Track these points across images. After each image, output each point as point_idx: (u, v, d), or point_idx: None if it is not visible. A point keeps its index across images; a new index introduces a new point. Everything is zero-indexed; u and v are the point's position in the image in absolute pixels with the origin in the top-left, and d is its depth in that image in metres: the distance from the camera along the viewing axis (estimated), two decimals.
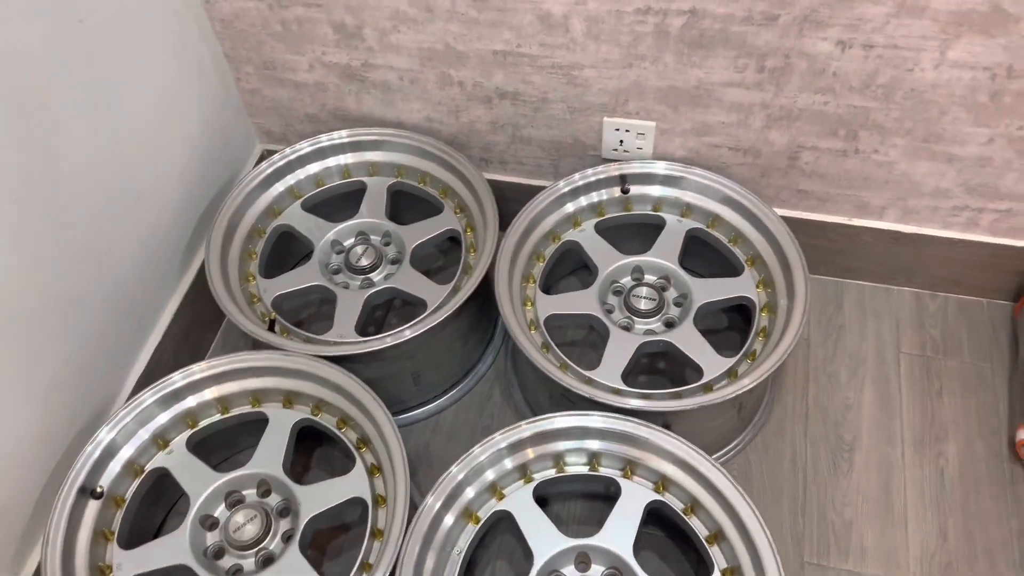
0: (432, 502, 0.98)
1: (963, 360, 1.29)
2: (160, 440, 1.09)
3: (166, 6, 1.15)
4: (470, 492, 1.01)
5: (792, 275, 1.15)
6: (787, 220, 1.28)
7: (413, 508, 0.97)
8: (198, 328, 1.32)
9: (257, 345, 1.16)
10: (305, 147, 1.33)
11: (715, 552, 0.98)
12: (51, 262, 0.99)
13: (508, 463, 1.03)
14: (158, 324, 1.24)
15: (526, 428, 1.03)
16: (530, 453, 1.04)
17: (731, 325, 1.32)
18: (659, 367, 1.29)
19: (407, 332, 1.11)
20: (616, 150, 1.28)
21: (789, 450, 1.22)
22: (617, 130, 1.25)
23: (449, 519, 1.00)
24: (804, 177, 1.25)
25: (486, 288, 1.20)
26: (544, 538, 1.00)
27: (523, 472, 1.05)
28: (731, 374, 1.12)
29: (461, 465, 1.00)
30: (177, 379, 1.08)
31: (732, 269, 1.23)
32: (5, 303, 0.93)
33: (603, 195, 1.28)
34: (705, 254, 1.28)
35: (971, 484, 1.17)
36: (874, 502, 1.17)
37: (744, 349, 1.14)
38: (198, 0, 1.22)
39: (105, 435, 1.04)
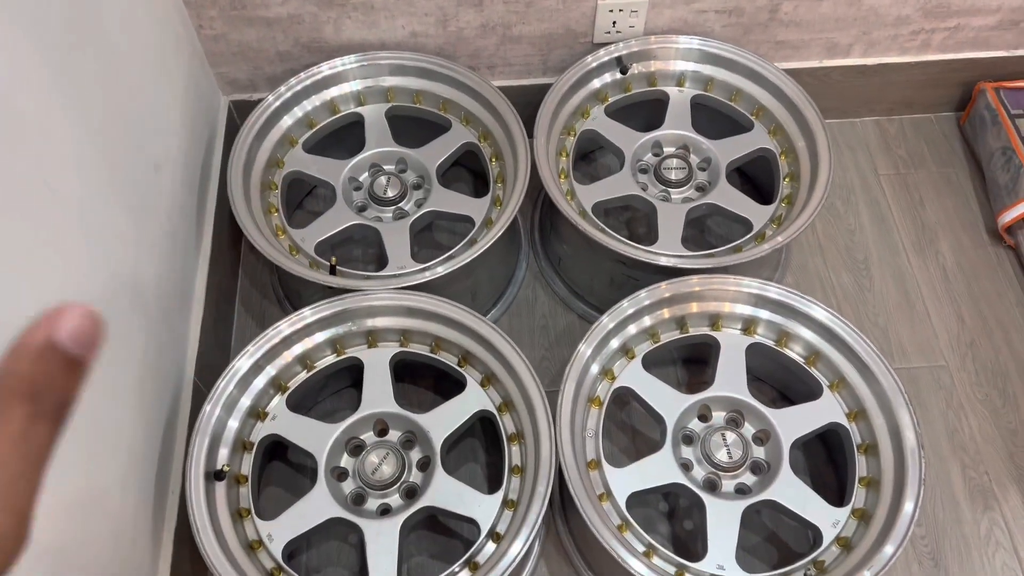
0: (567, 388, 1.01)
1: (930, 170, 1.46)
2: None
3: None
4: (590, 374, 1.05)
5: (805, 117, 1.23)
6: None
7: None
8: (224, 301, 1.25)
9: (319, 296, 1.12)
10: (286, 90, 1.25)
11: (816, 372, 1.09)
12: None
13: (614, 343, 1.08)
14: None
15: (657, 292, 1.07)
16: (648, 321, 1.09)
17: (750, 181, 1.41)
18: (697, 231, 1.37)
19: (473, 250, 1.11)
20: (608, 32, 1.30)
21: (818, 280, 1.34)
22: (611, 11, 1.27)
23: (579, 404, 1.04)
24: (783, 27, 1.33)
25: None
26: (666, 401, 1.06)
27: (625, 350, 1.10)
28: (774, 220, 1.20)
29: (588, 341, 1.04)
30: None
31: (740, 126, 1.31)
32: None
33: (604, 79, 1.31)
34: (713, 119, 1.34)
35: (969, 271, 1.34)
36: (898, 306, 1.31)
37: (779, 196, 1.23)
38: None
39: (210, 413, 0.99)
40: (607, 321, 1.05)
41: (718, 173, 1.25)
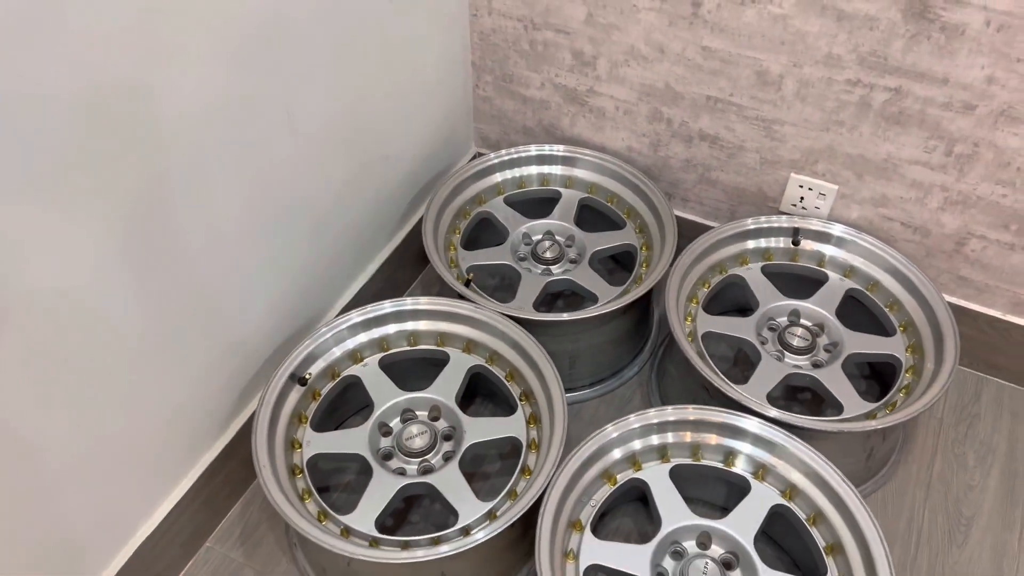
0: (581, 453, 1.10)
1: None
2: (357, 354, 1.27)
3: (440, 15, 1.38)
4: (616, 454, 1.13)
5: (944, 345, 1.23)
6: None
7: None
8: (402, 273, 1.52)
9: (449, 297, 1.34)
10: (516, 153, 1.53)
11: (830, 563, 1.06)
12: (304, 196, 1.21)
13: (653, 439, 1.15)
14: (372, 263, 1.44)
15: (686, 411, 1.14)
16: (676, 436, 1.16)
17: (874, 383, 1.40)
18: (800, 400, 1.39)
19: (577, 313, 1.26)
20: (795, 205, 1.41)
21: (907, 511, 1.28)
22: (801, 187, 1.38)
23: (591, 474, 1.12)
24: (967, 264, 1.34)
25: (648, 302, 1.35)
26: (674, 511, 1.10)
27: (662, 452, 1.16)
28: (869, 416, 1.20)
29: (613, 428, 1.13)
30: (387, 306, 1.27)
31: (884, 331, 1.32)
32: (274, 209, 1.14)
33: (772, 243, 1.41)
34: (859, 314, 1.37)
35: None
36: None
37: (886, 399, 1.22)
38: (466, 13, 1.46)
39: (322, 335, 1.23)
40: (610, 430, 1.13)
41: (838, 357, 1.28)
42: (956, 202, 1.28)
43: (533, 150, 1.55)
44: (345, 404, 1.27)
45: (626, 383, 1.46)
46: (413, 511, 1.26)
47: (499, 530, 1.03)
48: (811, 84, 1.26)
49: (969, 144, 1.21)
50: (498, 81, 1.55)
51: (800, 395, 1.40)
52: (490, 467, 1.31)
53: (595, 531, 1.10)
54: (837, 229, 1.38)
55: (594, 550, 1.07)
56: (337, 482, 1.28)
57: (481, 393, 1.39)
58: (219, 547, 1.24)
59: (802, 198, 1.40)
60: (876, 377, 1.41)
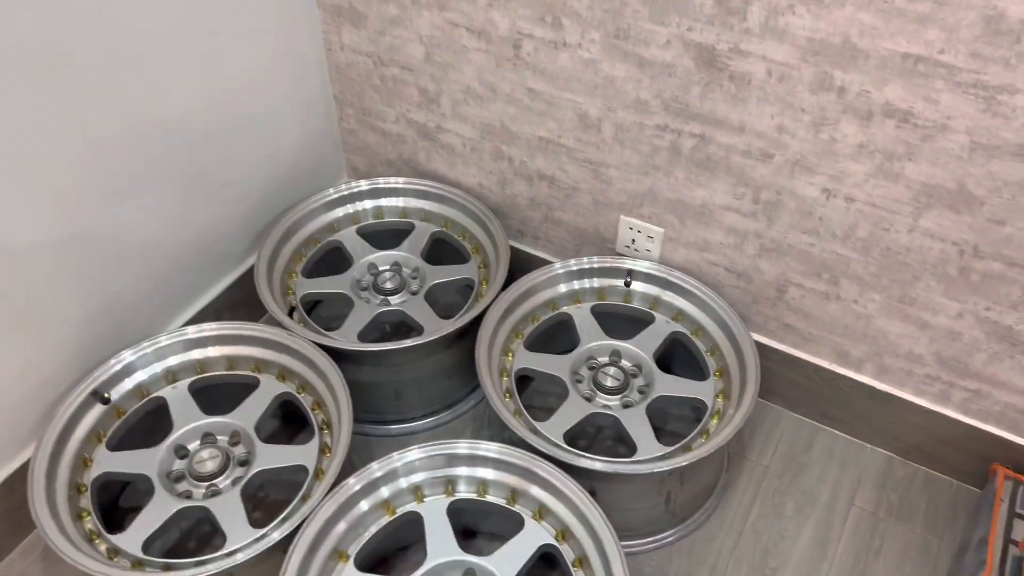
0: (353, 483, 1.11)
1: (913, 529, 1.30)
2: (170, 376, 1.29)
3: (291, 47, 1.42)
4: (386, 491, 1.14)
5: (745, 390, 1.23)
6: (773, 351, 1.38)
7: None
8: (242, 307, 1.54)
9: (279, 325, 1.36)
10: (377, 183, 1.56)
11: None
12: (143, 207, 1.24)
13: (439, 472, 1.15)
14: (211, 290, 1.47)
15: (464, 446, 1.15)
16: (460, 472, 1.16)
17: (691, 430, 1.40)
18: (606, 444, 1.39)
19: (391, 345, 1.28)
20: (628, 247, 1.42)
21: (712, 559, 1.26)
22: (631, 229, 1.39)
23: (365, 505, 1.12)
24: (790, 312, 1.34)
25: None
26: (442, 546, 1.10)
27: (447, 486, 1.16)
28: (662, 460, 1.20)
29: (386, 462, 1.13)
30: (190, 331, 1.29)
31: (700, 375, 1.32)
32: (78, 232, 1.17)
33: (606, 283, 1.42)
34: (681, 356, 1.37)
35: None
36: None
37: (682, 444, 1.22)
38: (320, 47, 1.50)
39: (127, 356, 1.25)
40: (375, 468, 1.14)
41: (647, 398, 1.28)
42: (771, 249, 1.28)
43: (385, 183, 1.57)
44: (152, 425, 1.28)
45: (461, 416, 1.46)
46: (209, 538, 1.27)
47: (253, 554, 1.03)
48: (626, 128, 1.27)
49: (773, 192, 1.21)
50: (359, 115, 1.58)
51: (604, 440, 1.40)
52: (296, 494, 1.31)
53: (363, 564, 1.10)
54: (665, 271, 1.39)
55: None
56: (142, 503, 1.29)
57: (293, 421, 1.40)
58: (22, 561, 1.25)
59: (633, 240, 1.41)
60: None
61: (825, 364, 1.37)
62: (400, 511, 1.14)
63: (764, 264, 1.31)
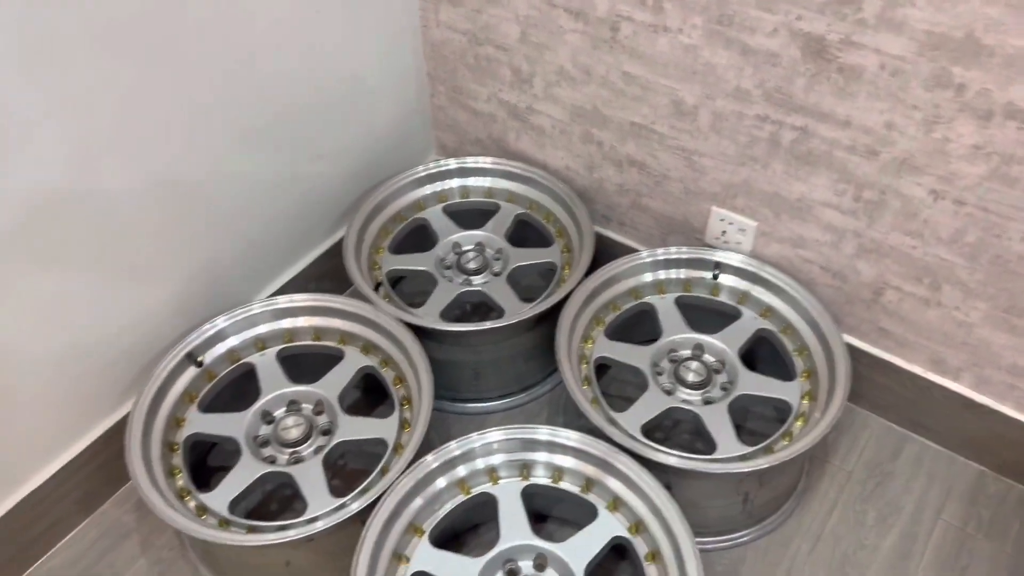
0: (431, 460, 1.13)
1: (1003, 548, 1.25)
2: (260, 343, 1.33)
3: (388, 21, 1.43)
4: (463, 470, 1.15)
5: (833, 395, 1.19)
6: (864, 355, 1.34)
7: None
8: (328, 280, 1.57)
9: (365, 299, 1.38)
10: (465, 163, 1.56)
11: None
12: (240, 174, 1.28)
13: (515, 456, 1.16)
14: (301, 261, 1.50)
15: (544, 432, 1.15)
16: (537, 457, 1.16)
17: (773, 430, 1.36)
18: (683, 439, 1.37)
19: (475, 326, 1.28)
20: (718, 239, 1.39)
21: (787, 563, 1.24)
22: (722, 220, 1.36)
23: (442, 482, 1.14)
24: (886, 315, 1.29)
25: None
26: (515, 529, 1.11)
27: (522, 470, 1.17)
28: (742, 460, 1.17)
29: (465, 442, 1.14)
30: (281, 301, 1.33)
31: (787, 374, 1.29)
32: (177, 199, 1.21)
33: (693, 274, 1.39)
34: (767, 354, 1.34)
35: None
36: None
37: (763, 445, 1.19)
38: (417, 24, 1.50)
39: (221, 322, 1.29)
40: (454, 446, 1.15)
41: (729, 396, 1.25)
42: (870, 250, 1.23)
43: (474, 162, 1.57)
44: (240, 390, 1.33)
45: (537, 399, 1.46)
46: (289, 501, 1.31)
47: (333, 523, 1.06)
48: (724, 117, 1.24)
49: (876, 190, 1.16)
50: (450, 92, 1.58)
51: (681, 434, 1.38)
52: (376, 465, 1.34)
53: (436, 540, 1.12)
54: (757, 266, 1.35)
55: (427, 557, 1.09)
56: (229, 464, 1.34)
57: (372, 393, 1.42)
58: (115, 510, 1.32)
59: (724, 231, 1.37)
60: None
61: (919, 371, 1.31)
62: (475, 491, 1.15)
63: (862, 264, 1.26)
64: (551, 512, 1.26)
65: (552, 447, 1.16)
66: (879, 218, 1.19)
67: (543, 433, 1.15)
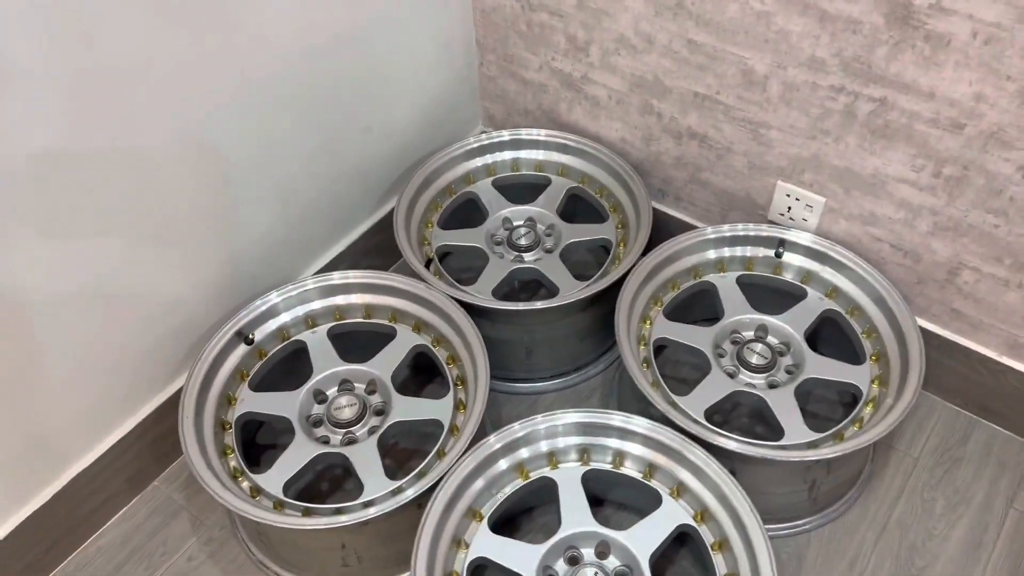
0: (493, 442, 1.09)
1: None
2: (310, 320, 1.30)
3: None
4: (525, 452, 1.12)
5: (907, 380, 1.14)
6: (935, 337, 1.28)
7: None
8: (376, 255, 1.54)
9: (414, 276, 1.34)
10: (519, 134, 1.51)
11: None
12: (290, 147, 1.24)
13: (579, 439, 1.13)
14: (348, 236, 1.47)
15: (615, 417, 1.12)
16: (602, 442, 1.13)
17: (838, 414, 1.32)
18: (743, 422, 1.32)
19: (529, 305, 1.24)
20: (782, 215, 1.33)
21: (853, 551, 1.20)
22: (788, 196, 1.30)
23: (504, 464, 1.11)
24: (960, 297, 1.23)
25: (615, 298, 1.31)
26: (577, 515, 1.08)
27: (582, 454, 1.14)
28: (811, 447, 1.13)
29: (528, 424, 1.11)
30: (335, 277, 1.29)
31: (855, 358, 1.24)
32: (223, 176, 1.18)
33: (755, 252, 1.34)
34: (833, 336, 1.29)
35: None
36: None
37: (833, 431, 1.15)
38: None
39: (273, 298, 1.27)
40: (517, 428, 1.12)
41: (795, 380, 1.21)
42: (947, 228, 1.17)
43: (527, 134, 1.52)
44: (291, 367, 1.30)
45: (590, 379, 1.43)
46: (340, 481, 1.29)
47: (391, 508, 1.03)
48: (796, 88, 1.18)
49: (958, 166, 1.10)
50: (500, 61, 1.53)
51: (743, 419, 1.33)
52: (429, 446, 1.31)
53: (495, 525, 1.09)
54: (824, 245, 1.29)
55: (487, 543, 1.06)
56: (279, 442, 1.32)
57: (422, 371, 1.39)
58: (165, 487, 1.31)
59: (789, 208, 1.32)
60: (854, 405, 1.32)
61: (994, 355, 1.26)
62: (533, 475, 1.12)
63: (937, 243, 1.20)
64: (607, 496, 1.23)
65: (624, 433, 1.12)
66: (960, 195, 1.13)
67: (617, 419, 1.11)
